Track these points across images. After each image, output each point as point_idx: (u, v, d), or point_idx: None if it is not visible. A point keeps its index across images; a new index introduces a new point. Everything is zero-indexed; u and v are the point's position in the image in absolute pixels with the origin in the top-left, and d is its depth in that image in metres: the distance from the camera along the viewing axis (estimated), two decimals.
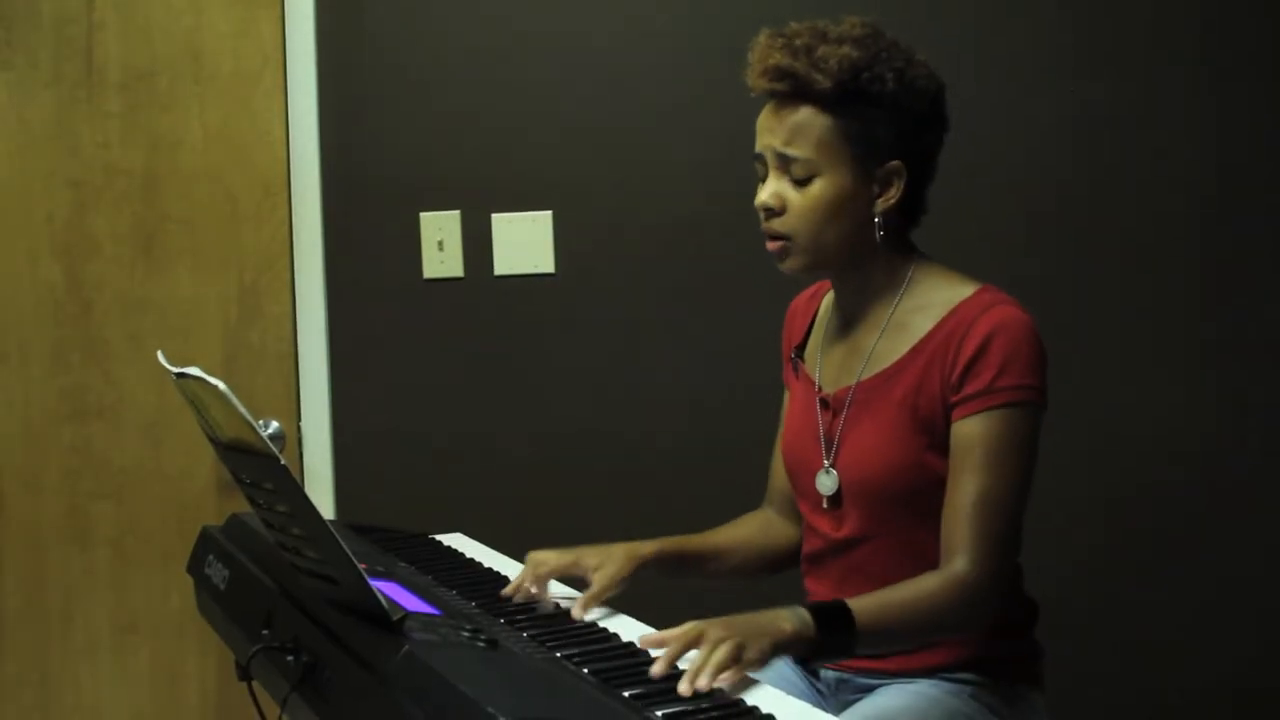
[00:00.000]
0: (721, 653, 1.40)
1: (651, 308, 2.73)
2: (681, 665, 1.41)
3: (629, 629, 1.61)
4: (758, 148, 1.76)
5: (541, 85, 2.76)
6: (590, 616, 1.68)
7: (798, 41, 1.71)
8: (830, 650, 1.56)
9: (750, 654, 1.43)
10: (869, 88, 1.69)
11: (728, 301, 2.69)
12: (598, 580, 1.73)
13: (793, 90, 1.71)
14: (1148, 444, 2.58)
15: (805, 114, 1.71)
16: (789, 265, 1.76)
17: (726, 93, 2.65)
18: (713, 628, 1.45)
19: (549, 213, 2.75)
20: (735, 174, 2.66)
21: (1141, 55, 2.58)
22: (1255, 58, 2.55)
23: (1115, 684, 2.57)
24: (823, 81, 1.68)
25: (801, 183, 1.72)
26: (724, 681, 1.39)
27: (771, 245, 1.76)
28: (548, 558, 1.78)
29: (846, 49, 1.69)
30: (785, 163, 1.72)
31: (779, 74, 1.71)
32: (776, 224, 1.74)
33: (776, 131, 1.73)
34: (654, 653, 1.46)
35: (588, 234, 2.75)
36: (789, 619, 1.52)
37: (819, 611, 1.54)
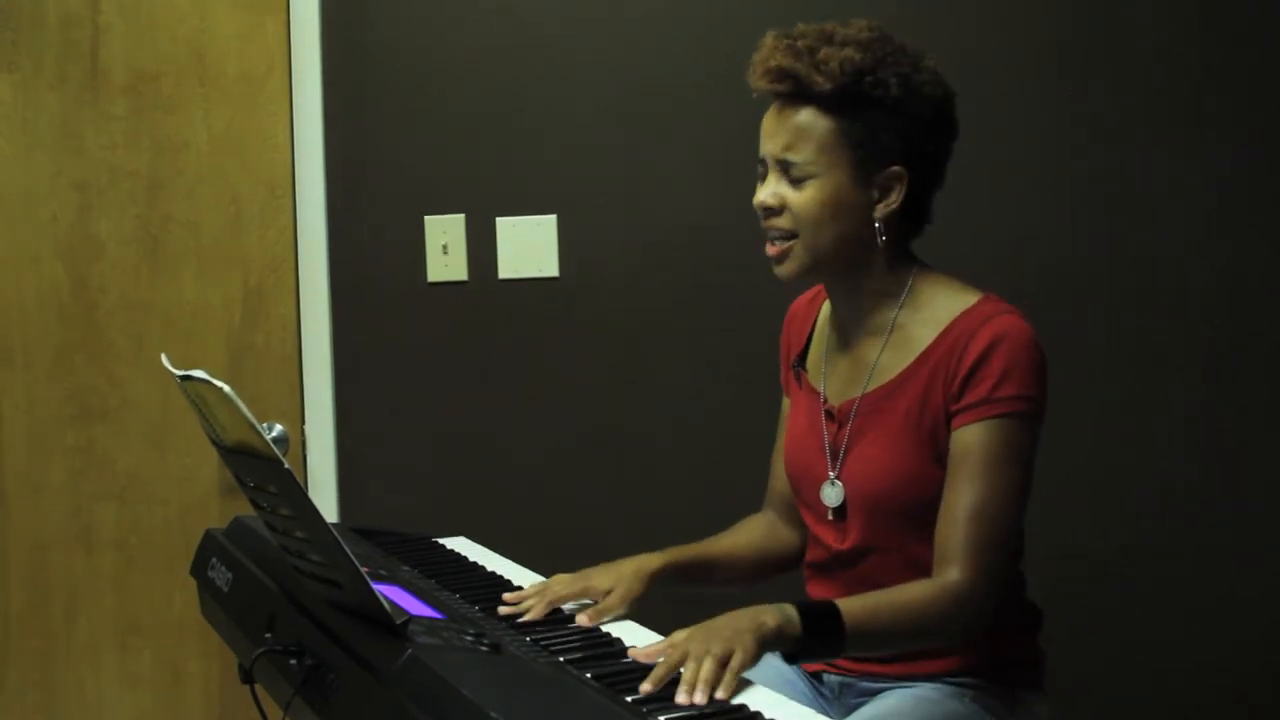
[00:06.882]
0: (708, 668, 1.39)
1: (655, 312, 2.73)
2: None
3: (631, 634, 1.61)
4: (760, 152, 1.76)
5: (546, 89, 2.75)
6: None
7: (801, 43, 1.71)
8: (816, 649, 1.56)
9: (737, 659, 1.43)
10: (871, 91, 1.69)
11: (731, 305, 2.69)
12: (608, 601, 1.70)
13: (794, 91, 1.71)
14: (1150, 448, 2.58)
15: (806, 115, 1.71)
16: (787, 269, 1.75)
17: (731, 97, 2.66)
18: (695, 641, 1.44)
19: (553, 216, 2.75)
20: (740, 179, 2.66)
21: (1144, 58, 2.57)
22: (1256, 57, 2.54)
23: (1117, 689, 2.56)
24: (822, 83, 1.68)
25: (799, 183, 1.71)
26: (721, 694, 1.38)
27: (771, 249, 1.75)
28: (559, 585, 1.73)
29: (849, 51, 1.68)
30: (785, 166, 1.72)
31: (780, 75, 1.71)
32: (776, 221, 1.74)
33: (777, 136, 1.73)
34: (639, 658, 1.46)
35: (592, 238, 2.75)
36: (772, 614, 1.51)
37: (807, 610, 1.54)
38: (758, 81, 1.74)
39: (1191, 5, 2.56)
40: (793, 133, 1.71)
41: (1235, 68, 2.54)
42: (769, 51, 1.73)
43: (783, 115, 1.73)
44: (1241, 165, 2.54)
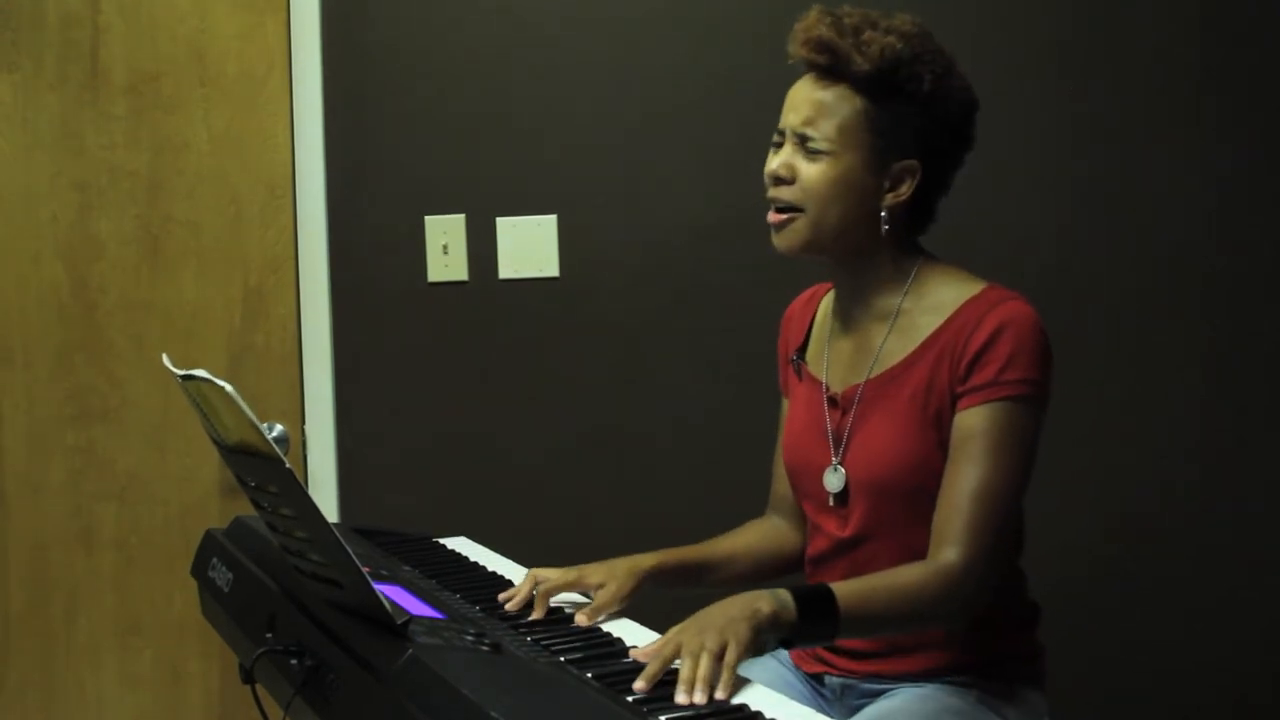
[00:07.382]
0: (704, 665, 1.38)
1: (655, 312, 2.73)
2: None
3: (632, 634, 1.61)
4: (780, 123, 1.77)
5: (546, 89, 2.76)
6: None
7: (847, 21, 1.73)
8: (811, 633, 1.55)
9: (732, 653, 1.41)
10: (905, 83, 1.71)
11: (732, 306, 2.69)
12: (600, 597, 1.71)
13: (830, 66, 1.72)
14: (1150, 445, 2.58)
15: (837, 92, 1.72)
16: (785, 240, 1.75)
17: (731, 97, 2.68)
18: (689, 635, 1.43)
19: (553, 216, 2.75)
20: (740, 179, 2.67)
21: (1144, 59, 2.58)
22: (1256, 57, 2.54)
23: (1116, 688, 2.57)
24: (860, 63, 1.70)
25: (814, 157, 1.72)
26: (721, 692, 1.37)
27: (774, 217, 1.76)
28: (549, 575, 1.74)
29: (892, 39, 1.70)
30: (802, 139, 1.73)
31: (821, 46, 1.72)
32: (784, 192, 1.74)
33: (801, 108, 1.74)
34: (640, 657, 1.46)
35: (592, 238, 2.75)
36: (767, 599, 1.50)
37: (801, 593, 1.53)
38: (797, 49, 1.75)
39: (1191, 5, 2.56)
40: (818, 107, 1.72)
41: (1235, 68, 2.55)
42: (813, 22, 1.74)
43: (812, 88, 1.74)
44: (1241, 166, 2.55)
